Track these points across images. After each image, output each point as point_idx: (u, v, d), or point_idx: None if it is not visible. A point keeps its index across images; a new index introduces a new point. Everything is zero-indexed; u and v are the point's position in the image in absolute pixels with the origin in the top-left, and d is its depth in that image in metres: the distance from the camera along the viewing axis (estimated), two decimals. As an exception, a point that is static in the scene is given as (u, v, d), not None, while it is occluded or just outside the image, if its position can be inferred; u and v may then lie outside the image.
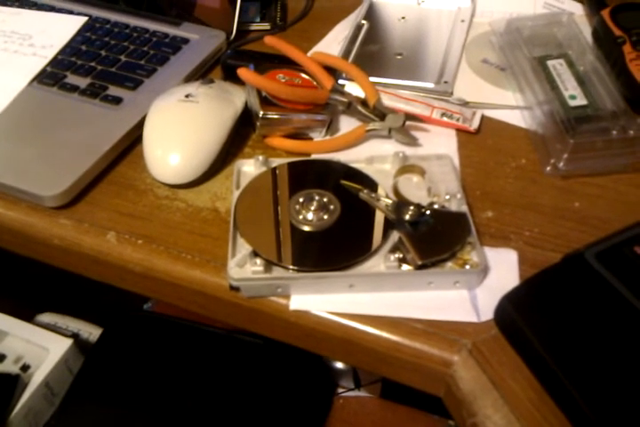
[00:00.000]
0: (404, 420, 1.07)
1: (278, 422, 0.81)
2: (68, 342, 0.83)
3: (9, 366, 0.81)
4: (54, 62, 0.60)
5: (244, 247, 0.44)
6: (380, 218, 0.46)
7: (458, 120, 0.55)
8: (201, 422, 0.77)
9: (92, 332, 0.96)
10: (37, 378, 0.79)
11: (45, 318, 0.97)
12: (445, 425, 1.05)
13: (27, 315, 0.94)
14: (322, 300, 0.43)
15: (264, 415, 0.80)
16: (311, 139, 0.55)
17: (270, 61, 0.57)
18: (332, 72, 0.57)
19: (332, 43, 0.65)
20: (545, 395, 0.37)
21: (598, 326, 0.38)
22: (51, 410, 0.82)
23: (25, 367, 0.81)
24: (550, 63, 0.57)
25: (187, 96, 0.52)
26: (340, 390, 1.07)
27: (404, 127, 0.53)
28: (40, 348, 0.83)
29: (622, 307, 0.38)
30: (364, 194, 0.47)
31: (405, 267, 0.43)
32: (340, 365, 1.04)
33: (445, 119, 0.55)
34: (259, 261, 0.42)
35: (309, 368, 0.95)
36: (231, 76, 0.57)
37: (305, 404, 0.88)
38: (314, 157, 0.52)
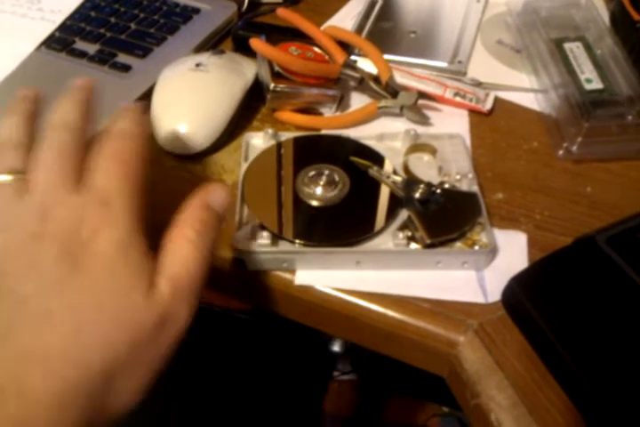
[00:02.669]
0: (400, 406, 1.07)
1: (273, 403, 0.81)
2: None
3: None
4: (63, 28, 0.59)
5: (250, 220, 0.43)
6: (389, 195, 0.45)
7: (471, 100, 0.54)
8: (191, 402, 0.77)
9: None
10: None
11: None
12: (440, 411, 1.06)
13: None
14: (328, 276, 0.42)
15: (258, 397, 0.80)
16: (321, 114, 0.54)
17: (283, 34, 0.56)
18: (345, 47, 0.56)
19: (345, 18, 0.64)
20: (550, 377, 0.37)
21: (606, 309, 0.37)
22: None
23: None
24: (567, 46, 0.56)
25: (197, 65, 0.51)
26: (336, 374, 1.07)
27: (416, 105, 0.52)
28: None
29: (632, 291, 0.37)
30: (374, 171, 0.46)
31: (414, 245, 0.42)
32: (336, 348, 1.04)
33: (458, 99, 0.54)
34: (265, 234, 0.42)
35: (307, 351, 0.95)
36: (242, 48, 0.56)
37: (301, 386, 0.88)
38: (323, 132, 0.52)
